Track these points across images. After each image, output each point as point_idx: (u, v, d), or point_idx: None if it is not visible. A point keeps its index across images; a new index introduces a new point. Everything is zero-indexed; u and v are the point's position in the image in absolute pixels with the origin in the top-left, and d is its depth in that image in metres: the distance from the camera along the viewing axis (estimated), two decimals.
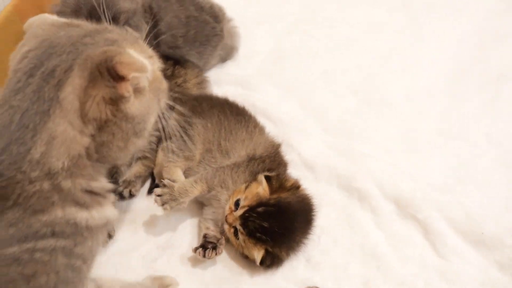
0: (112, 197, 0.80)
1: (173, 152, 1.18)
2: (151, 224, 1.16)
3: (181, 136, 1.17)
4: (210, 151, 1.19)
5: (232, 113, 1.24)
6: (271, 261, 1.06)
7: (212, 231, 1.11)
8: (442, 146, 1.35)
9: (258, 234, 1.03)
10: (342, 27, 1.71)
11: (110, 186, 0.80)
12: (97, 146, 0.73)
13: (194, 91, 1.36)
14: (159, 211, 1.14)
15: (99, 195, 0.76)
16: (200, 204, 1.19)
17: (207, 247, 1.07)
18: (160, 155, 1.22)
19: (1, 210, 0.68)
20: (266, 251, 1.05)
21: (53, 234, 0.70)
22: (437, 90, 1.51)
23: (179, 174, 1.15)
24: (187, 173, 1.18)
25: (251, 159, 1.16)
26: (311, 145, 1.33)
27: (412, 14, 1.77)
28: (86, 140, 0.71)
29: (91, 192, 0.75)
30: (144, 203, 1.20)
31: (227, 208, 1.09)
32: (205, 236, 1.10)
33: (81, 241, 0.74)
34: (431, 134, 1.39)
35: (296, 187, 1.11)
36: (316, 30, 1.70)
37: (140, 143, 0.80)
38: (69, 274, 0.74)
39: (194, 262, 1.11)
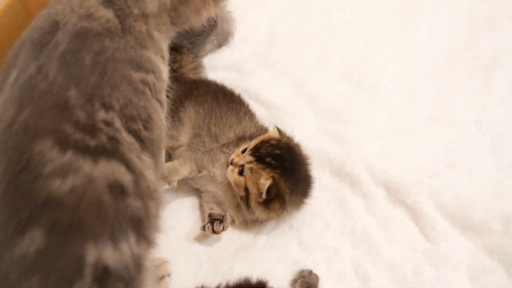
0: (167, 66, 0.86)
1: None
2: None
3: (172, 116, 1.15)
4: (199, 136, 1.15)
5: (224, 101, 1.21)
6: (276, 193, 1.02)
7: (216, 210, 1.09)
8: (433, 131, 1.31)
9: (268, 159, 1.01)
10: (335, 11, 1.66)
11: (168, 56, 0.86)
12: (179, 2, 0.81)
13: (190, 77, 1.32)
14: None
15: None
16: (194, 190, 1.16)
17: (214, 222, 1.05)
18: None
19: (123, 30, 0.75)
20: (273, 181, 1.00)
21: (152, 71, 0.78)
22: (429, 75, 1.46)
23: None
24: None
25: (240, 138, 1.13)
26: (304, 129, 1.29)
27: None
28: None
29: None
30: None
31: (233, 155, 1.05)
32: (210, 215, 1.07)
33: (160, 89, 0.80)
34: (422, 119, 1.34)
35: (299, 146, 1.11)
36: (310, 14, 1.64)
37: (212, 11, 0.87)
38: (155, 114, 0.79)
39: (189, 242, 1.09)
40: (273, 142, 1.05)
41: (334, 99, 1.38)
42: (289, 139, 1.11)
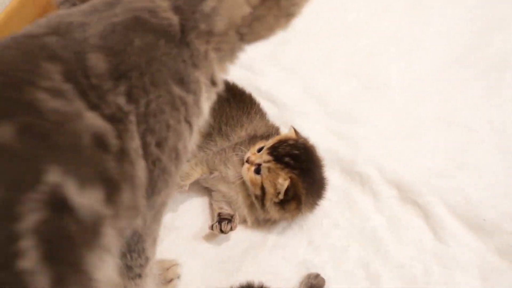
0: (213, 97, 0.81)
1: None
2: None
3: None
4: (210, 135, 1.14)
5: (235, 100, 1.19)
6: (293, 194, 1.00)
7: (226, 210, 1.07)
8: (442, 131, 1.29)
9: (286, 159, 1.00)
10: (344, 11, 1.63)
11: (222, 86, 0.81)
12: (252, 20, 0.76)
13: None
14: None
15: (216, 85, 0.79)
16: (205, 188, 1.15)
17: (222, 222, 1.04)
18: None
19: (181, 41, 0.71)
20: (291, 182, 0.99)
21: (193, 93, 0.72)
22: (438, 75, 1.44)
23: None
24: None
25: (252, 137, 1.12)
26: (314, 129, 1.27)
27: None
28: (247, 10, 0.75)
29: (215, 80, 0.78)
30: None
31: (248, 153, 1.04)
32: (219, 215, 1.06)
33: (192, 114, 0.74)
34: (432, 120, 1.32)
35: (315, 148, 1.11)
36: (319, 14, 1.61)
37: (284, 27, 0.85)
38: (176, 137, 0.73)
39: (198, 241, 1.08)
40: (291, 142, 1.04)
41: (343, 99, 1.37)
42: (306, 140, 1.10)
